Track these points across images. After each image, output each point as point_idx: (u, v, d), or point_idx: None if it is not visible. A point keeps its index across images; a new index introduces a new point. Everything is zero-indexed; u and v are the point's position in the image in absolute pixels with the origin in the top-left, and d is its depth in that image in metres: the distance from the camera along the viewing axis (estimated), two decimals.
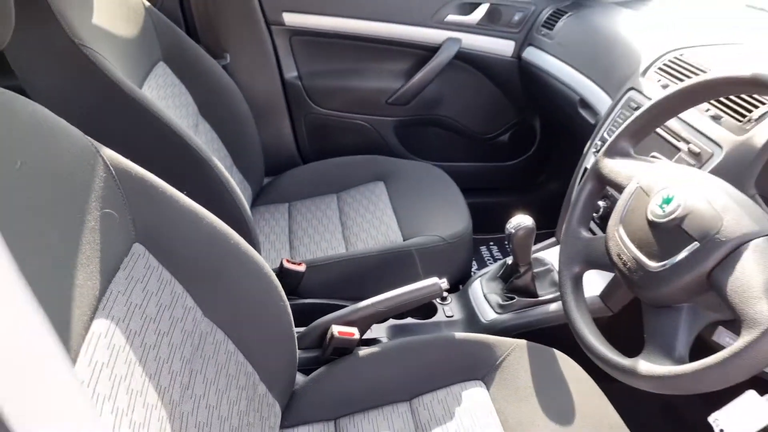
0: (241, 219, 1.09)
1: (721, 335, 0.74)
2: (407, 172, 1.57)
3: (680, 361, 0.67)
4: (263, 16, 1.68)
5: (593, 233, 0.96)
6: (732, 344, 0.60)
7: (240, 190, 1.11)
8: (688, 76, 1.10)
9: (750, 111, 0.94)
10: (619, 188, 0.85)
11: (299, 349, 0.96)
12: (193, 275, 0.70)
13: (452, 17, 1.74)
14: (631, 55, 1.30)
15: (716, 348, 0.67)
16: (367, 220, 1.44)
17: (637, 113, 0.88)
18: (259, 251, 0.94)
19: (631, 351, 0.75)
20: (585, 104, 1.44)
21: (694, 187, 0.73)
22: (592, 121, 1.40)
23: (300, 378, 0.98)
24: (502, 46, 1.79)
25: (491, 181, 2.00)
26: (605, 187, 0.93)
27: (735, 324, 0.66)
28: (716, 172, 0.94)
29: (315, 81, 1.80)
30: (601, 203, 1.14)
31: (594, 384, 0.92)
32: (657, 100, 0.85)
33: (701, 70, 1.10)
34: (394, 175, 1.56)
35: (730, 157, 0.93)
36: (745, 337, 0.59)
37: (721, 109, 0.98)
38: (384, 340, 1.20)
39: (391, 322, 1.25)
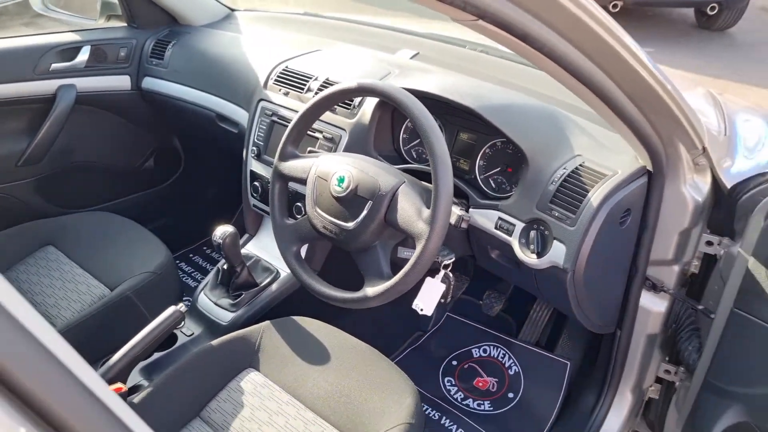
0: None
1: (403, 252, 1.12)
2: (73, 226, 1.53)
3: (389, 277, 1.01)
4: None
5: (295, 219, 1.23)
6: (412, 253, 0.97)
7: None
8: (300, 82, 1.46)
9: (352, 100, 1.35)
10: (302, 181, 1.14)
11: None
12: None
13: (57, 65, 1.72)
14: (248, 72, 1.59)
15: (403, 261, 1.03)
16: (59, 287, 1.40)
17: (291, 124, 1.17)
18: None
19: (355, 289, 1.07)
20: (223, 118, 1.68)
21: (350, 166, 1.07)
22: (234, 131, 1.65)
23: None
24: (118, 82, 1.86)
25: (160, 205, 2.07)
26: (288, 183, 1.21)
27: (408, 242, 1.04)
28: (348, 148, 1.32)
29: None
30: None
31: (335, 328, 1.21)
32: (302, 112, 1.16)
33: (307, 76, 1.46)
34: (60, 233, 1.51)
35: (352, 134, 1.33)
36: (419, 246, 0.96)
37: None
38: (145, 383, 1.26)
39: (141, 364, 1.30)
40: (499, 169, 1.24)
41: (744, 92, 4.72)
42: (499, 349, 1.66)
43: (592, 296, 1.12)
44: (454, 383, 1.60)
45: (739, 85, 4.36)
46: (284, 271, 1.45)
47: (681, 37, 5.78)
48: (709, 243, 1.12)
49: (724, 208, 1.08)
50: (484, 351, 1.68)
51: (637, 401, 1.31)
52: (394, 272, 1.02)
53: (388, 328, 1.37)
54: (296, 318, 1.25)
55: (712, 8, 5.31)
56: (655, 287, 1.16)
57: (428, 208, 0.98)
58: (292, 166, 1.16)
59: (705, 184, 1.07)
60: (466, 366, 1.65)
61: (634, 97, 0.87)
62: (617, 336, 1.24)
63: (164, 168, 2.09)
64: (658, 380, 1.30)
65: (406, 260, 1.00)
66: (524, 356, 1.62)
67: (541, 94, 1.29)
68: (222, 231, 1.29)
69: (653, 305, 1.17)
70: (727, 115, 1.34)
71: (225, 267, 1.41)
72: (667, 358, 1.28)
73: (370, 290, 1.02)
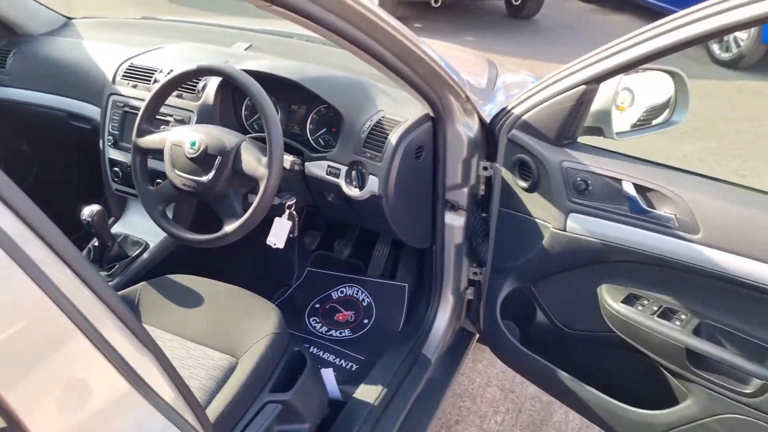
0: None
1: (252, 198, 1.37)
2: None
3: (239, 217, 1.27)
4: None
5: (158, 184, 1.44)
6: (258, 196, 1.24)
7: None
8: (147, 76, 1.65)
9: (196, 84, 1.58)
10: (159, 151, 1.35)
11: None
12: None
13: None
14: (95, 71, 1.74)
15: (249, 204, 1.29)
16: None
17: (144, 104, 1.38)
18: None
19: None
20: (75, 117, 1.81)
21: (199, 132, 1.31)
22: (87, 126, 1.79)
23: None
24: None
25: None
26: (147, 156, 1.41)
27: (256, 189, 1.30)
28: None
29: None
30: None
31: (207, 279, 1.42)
32: (153, 92, 1.37)
33: (152, 69, 1.66)
34: None
35: (200, 114, 1.56)
36: (262, 185, 1.23)
37: (181, 89, 1.57)
38: None
39: None
40: (325, 129, 1.54)
41: (550, 69, 5.55)
42: (353, 288, 1.98)
43: (405, 216, 1.46)
44: (318, 321, 1.89)
45: (543, 63, 5.11)
46: (153, 242, 1.64)
47: (496, 26, 6.57)
48: (485, 168, 1.50)
49: (491, 140, 1.47)
50: (341, 292, 1.98)
51: (458, 302, 1.68)
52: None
53: (256, 287, 1.57)
54: (171, 276, 1.45)
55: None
56: (454, 207, 1.53)
57: (266, 156, 1.25)
58: (148, 140, 1.37)
59: (474, 123, 1.45)
60: (327, 306, 1.94)
61: (405, 61, 1.20)
62: (434, 250, 1.60)
63: (15, 175, 2.13)
64: (472, 283, 1.68)
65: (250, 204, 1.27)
66: (373, 288, 1.95)
67: (352, 69, 1.61)
68: (89, 210, 1.46)
69: (455, 221, 1.54)
70: (496, 74, 1.77)
71: (96, 245, 1.56)
72: (474, 264, 1.66)
73: (228, 228, 1.27)
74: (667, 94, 1.41)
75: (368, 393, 1.45)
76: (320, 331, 1.86)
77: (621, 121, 1.37)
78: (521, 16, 6.61)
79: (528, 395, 1.95)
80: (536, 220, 1.33)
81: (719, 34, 0.97)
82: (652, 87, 1.41)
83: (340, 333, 1.85)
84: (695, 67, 5.15)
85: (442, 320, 1.67)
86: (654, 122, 1.41)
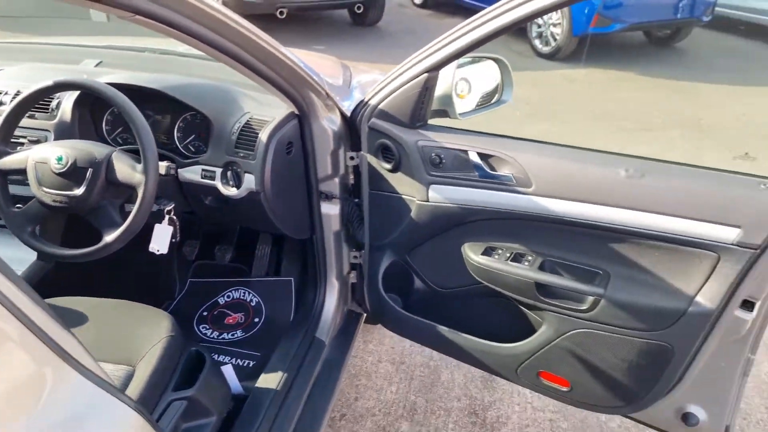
0: None
1: (129, 208, 1.37)
2: None
3: (119, 226, 1.28)
4: None
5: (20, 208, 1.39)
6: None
7: None
8: None
9: (49, 103, 1.54)
10: (20, 171, 1.32)
11: None
12: None
13: None
14: None
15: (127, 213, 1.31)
16: None
17: None
18: None
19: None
20: None
21: (64, 147, 1.30)
22: None
23: None
24: None
25: None
26: (7, 178, 1.36)
27: (132, 198, 1.31)
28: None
29: None
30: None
31: (88, 298, 1.40)
32: (7, 113, 1.32)
33: None
34: None
35: (57, 132, 1.52)
36: (140, 191, 1.26)
37: (33, 109, 1.52)
38: None
39: None
40: (193, 136, 1.58)
41: (389, 69, 5.91)
42: (239, 291, 2.02)
43: (283, 208, 1.55)
44: (208, 327, 1.91)
45: (390, 65, 5.41)
46: (20, 270, 1.57)
47: (343, 34, 6.83)
48: (352, 158, 1.64)
49: (353, 132, 1.61)
50: (228, 297, 2.01)
51: (343, 286, 1.80)
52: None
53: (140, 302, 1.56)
54: (48, 301, 1.41)
55: (359, 8, 6.43)
56: (328, 197, 1.64)
57: (140, 163, 1.28)
58: (8, 161, 1.33)
59: (337, 117, 1.57)
60: (215, 312, 1.96)
61: (268, 64, 1.29)
62: (315, 240, 1.71)
63: None
64: (353, 267, 1.80)
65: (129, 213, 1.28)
66: (259, 288, 2.01)
67: (211, 77, 1.67)
68: None
69: (331, 210, 1.65)
70: (350, 75, 1.92)
71: None
72: (354, 249, 1.79)
73: (109, 237, 1.27)
74: (495, 81, 1.66)
75: (269, 380, 1.52)
76: (211, 336, 1.88)
77: (462, 106, 1.58)
78: (365, 23, 6.93)
79: (417, 363, 2.12)
80: (403, 196, 1.49)
81: (525, 20, 1.19)
82: (484, 76, 1.64)
83: (232, 335, 1.88)
84: (521, 61, 5.78)
85: (331, 304, 1.78)
86: (488, 103, 1.64)
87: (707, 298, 1.16)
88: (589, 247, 1.28)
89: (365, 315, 1.92)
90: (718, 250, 1.13)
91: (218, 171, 1.48)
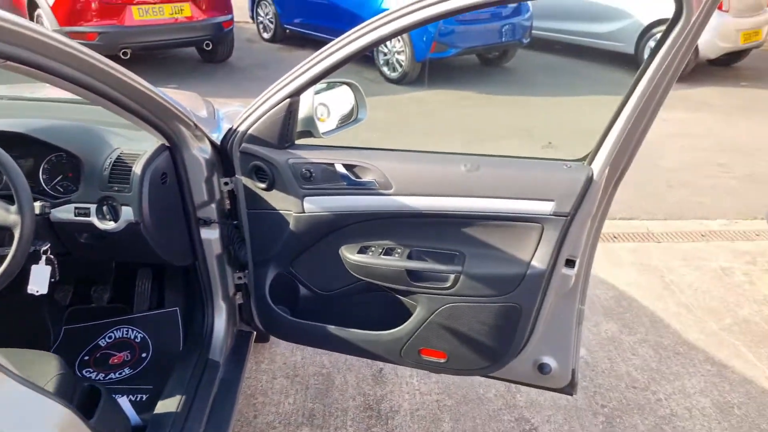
0: None
1: (5, 251, 1.35)
2: None
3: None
4: None
5: None
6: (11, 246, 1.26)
7: None
8: None
9: None
10: None
11: None
12: None
13: None
14: None
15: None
16: None
17: None
18: None
19: None
20: None
21: None
22: None
23: None
24: None
25: None
26: None
27: (4, 240, 1.30)
28: None
29: None
30: None
31: None
32: None
33: None
34: None
35: None
36: (17, 231, 1.26)
37: None
38: None
39: None
40: (61, 176, 1.59)
41: (246, 102, 6.02)
42: (122, 329, 1.99)
43: (164, 237, 1.60)
44: (92, 371, 1.86)
45: (244, 99, 5.50)
46: None
47: (194, 72, 6.77)
48: (226, 183, 1.73)
49: (225, 159, 1.70)
50: (110, 338, 1.98)
51: (230, 307, 1.86)
52: None
53: None
54: None
55: (207, 45, 6.44)
56: (207, 222, 1.72)
57: (13, 204, 1.28)
58: None
59: (207, 146, 1.66)
60: (98, 355, 1.92)
61: (136, 100, 1.36)
62: (198, 266, 1.76)
63: None
64: (239, 288, 1.88)
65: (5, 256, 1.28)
66: (143, 323, 2.00)
67: (75, 118, 1.69)
68: None
69: (211, 235, 1.72)
70: (213, 107, 2.02)
71: None
72: (237, 270, 1.86)
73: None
74: (350, 104, 1.86)
75: (168, 405, 1.55)
76: (97, 378, 1.84)
77: (324, 126, 1.76)
78: (215, 60, 6.94)
79: (310, 373, 2.23)
80: (280, 211, 1.62)
81: (370, 47, 1.39)
82: (340, 100, 1.84)
83: (120, 373, 1.86)
84: (373, 87, 6.16)
85: (220, 325, 1.84)
86: (347, 122, 1.83)
87: (539, 261, 1.42)
88: (446, 233, 1.50)
89: (255, 334, 2.00)
90: (541, 221, 1.40)
91: (93, 207, 1.51)
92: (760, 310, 2.65)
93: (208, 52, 6.74)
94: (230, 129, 1.64)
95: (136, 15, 5.79)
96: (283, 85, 1.50)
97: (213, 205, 1.70)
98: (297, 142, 1.63)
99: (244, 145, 1.59)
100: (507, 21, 6.47)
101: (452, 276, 1.48)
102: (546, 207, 1.38)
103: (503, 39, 6.53)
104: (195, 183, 1.65)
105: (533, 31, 6.87)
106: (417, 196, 1.47)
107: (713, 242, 3.23)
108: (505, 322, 1.50)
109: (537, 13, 6.96)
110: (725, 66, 7.04)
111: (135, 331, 2.00)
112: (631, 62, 6.58)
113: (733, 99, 6.07)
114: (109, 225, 1.50)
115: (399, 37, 6.23)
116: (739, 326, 2.54)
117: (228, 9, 6.55)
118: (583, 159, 1.41)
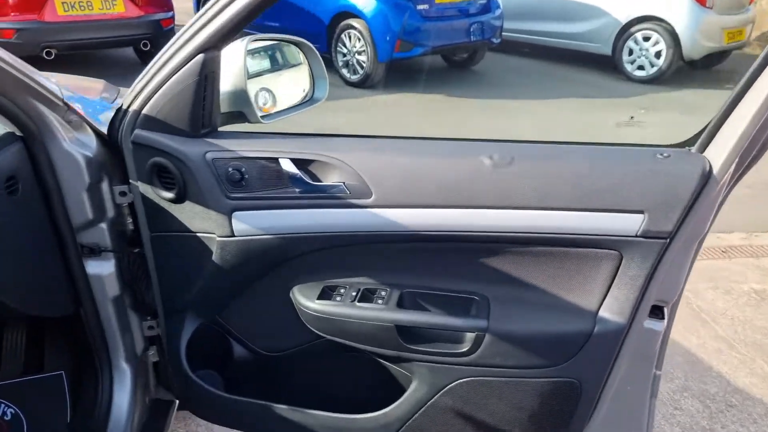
0: None
1: None
2: None
3: None
4: None
5: None
6: None
7: None
8: None
9: None
10: None
11: None
12: None
13: None
14: None
15: None
16: None
17: None
18: None
19: None
20: None
21: None
22: None
23: None
24: None
25: None
26: None
27: None
28: None
29: None
30: None
31: None
32: None
33: None
34: None
35: None
36: None
37: None
38: None
39: None
40: None
41: None
42: None
43: (14, 279, 1.02)
44: None
45: None
46: None
47: (134, 74, 6.09)
48: (123, 193, 1.16)
49: (120, 157, 1.13)
50: None
51: (139, 369, 1.28)
52: None
53: None
54: None
55: (145, 45, 5.87)
56: (94, 251, 1.14)
57: None
58: None
59: (91, 138, 1.09)
60: None
61: None
62: (84, 314, 1.18)
63: None
64: (152, 341, 1.30)
65: None
66: (14, 393, 1.39)
67: None
68: None
69: (102, 269, 1.14)
70: (118, 91, 1.46)
71: None
72: (149, 317, 1.28)
73: None
74: (304, 90, 1.33)
75: None
76: None
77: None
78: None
79: None
80: (197, 234, 1.05)
81: None
82: (291, 85, 1.31)
83: None
84: (332, 91, 5.61)
85: (122, 397, 1.25)
86: (300, 101, 1.29)
87: (613, 310, 0.89)
88: (457, 265, 0.96)
89: (178, 402, 1.42)
90: (618, 246, 0.87)
91: None
92: None
93: (147, 53, 6.08)
94: (119, 109, 1.07)
95: (60, 9, 5.08)
96: (192, 32, 0.95)
97: (103, 226, 1.12)
98: (221, 128, 1.07)
99: (137, 132, 1.03)
100: (475, 19, 6.06)
101: (470, 335, 0.93)
102: (630, 223, 0.85)
103: (472, 38, 6.11)
104: (71, 192, 1.07)
105: (504, 33, 6.48)
106: (410, 207, 0.93)
107: (736, 259, 2.79)
108: (555, 406, 0.96)
109: (505, 12, 6.59)
110: (705, 69, 6.78)
111: (4, 405, 1.39)
112: (607, 64, 6.26)
113: (721, 102, 5.78)
114: None
115: (360, 36, 5.76)
116: None
117: (168, 6, 5.91)
118: (684, 144, 0.89)
